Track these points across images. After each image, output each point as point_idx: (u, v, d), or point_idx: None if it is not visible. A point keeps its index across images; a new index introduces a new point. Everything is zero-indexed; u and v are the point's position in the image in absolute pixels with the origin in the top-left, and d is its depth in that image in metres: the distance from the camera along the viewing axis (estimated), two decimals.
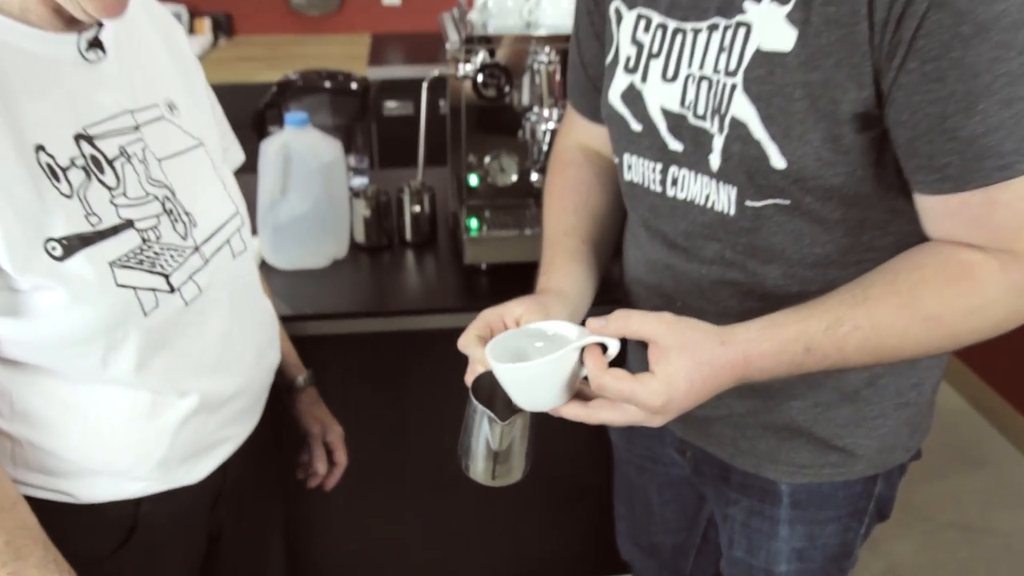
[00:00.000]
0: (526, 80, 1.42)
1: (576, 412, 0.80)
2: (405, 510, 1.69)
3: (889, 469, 1.02)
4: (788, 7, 0.77)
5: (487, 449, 0.86)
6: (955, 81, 0.70)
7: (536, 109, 1.41)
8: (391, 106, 2.96)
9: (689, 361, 0.75)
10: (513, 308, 0.88)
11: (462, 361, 0.89)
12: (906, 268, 0.78)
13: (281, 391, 1.18)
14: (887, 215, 0.84)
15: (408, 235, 1.61)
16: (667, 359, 0.76)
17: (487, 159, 1.51)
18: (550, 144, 1.38)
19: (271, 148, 1.42)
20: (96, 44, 0.86)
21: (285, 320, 1.24)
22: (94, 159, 0.83)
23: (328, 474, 1.23)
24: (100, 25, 0.86)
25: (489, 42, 1.43)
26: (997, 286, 0.75)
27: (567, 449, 1.65)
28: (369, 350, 1.49)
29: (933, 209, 0.78)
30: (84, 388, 0.86)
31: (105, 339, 0.84)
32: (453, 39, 1.48)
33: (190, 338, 0.92)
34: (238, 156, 1.14)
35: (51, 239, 0.78)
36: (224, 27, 3.37)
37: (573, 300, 0.94)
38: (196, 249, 0.92)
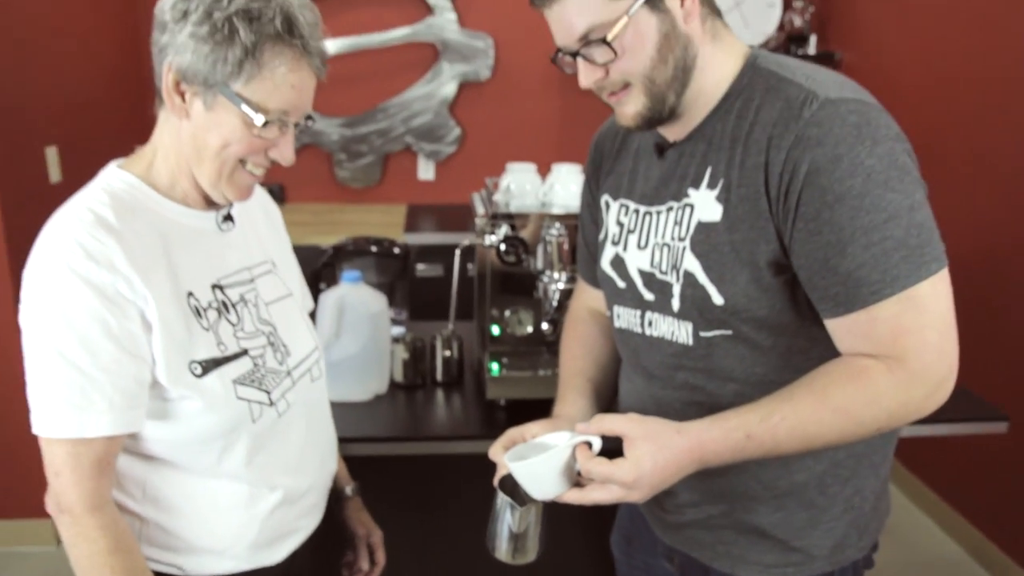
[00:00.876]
0: (540, 249, 1.74)
1: (574, 496, 1.04)
2: None
3: (843, 567, 1.21)
4: (716, 191, 1.08)
5: (509, 532, 1.10)
6: (828, 233, 0.98)
7: (548, 273, 1.71)
8: (421, 268, 3.28)
9: (652, 446, 1.00)
10: (531, 427, 1.16)
11: (481, 479, 1.15)
12: (820, 373, 1.03)
13: (331, 500, 1.41)
14: (808, 342, 1.09)
15: (439, 376, 1.87)
16: (634, 446, 1.01)
17: (507, 313, 1.80)
18: (559, 301, 1.68)
19: (329, 299, 1.72)
20: (228, 218, 1.18)
21: None
22: (223, 303, 1.13)
23: (369, 572, 1.44)
24: (230, 204, 1.18)
25: (511, 218, 1.76)
26: (886, 381, 0.98)
27: (576, 567, 1.84)
28: (404, 469, 1.71)
29: (836, 330, 1.03)
30: (202, 480, 1.11)
31: (224, 440, 1.10)
32: (481, 214, 1.81)
33: (280, 443, 1.17)
34: (310, 304, 1.43)
35: (194, 361, 1.06)
36: (277, 196, 3.77)
37: (577, 422, 1.20)
38: (288, 373, 1.19)
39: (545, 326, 1.67)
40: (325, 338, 1.72)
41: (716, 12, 1.11)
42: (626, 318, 1.24)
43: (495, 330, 1.81)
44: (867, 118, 0.99)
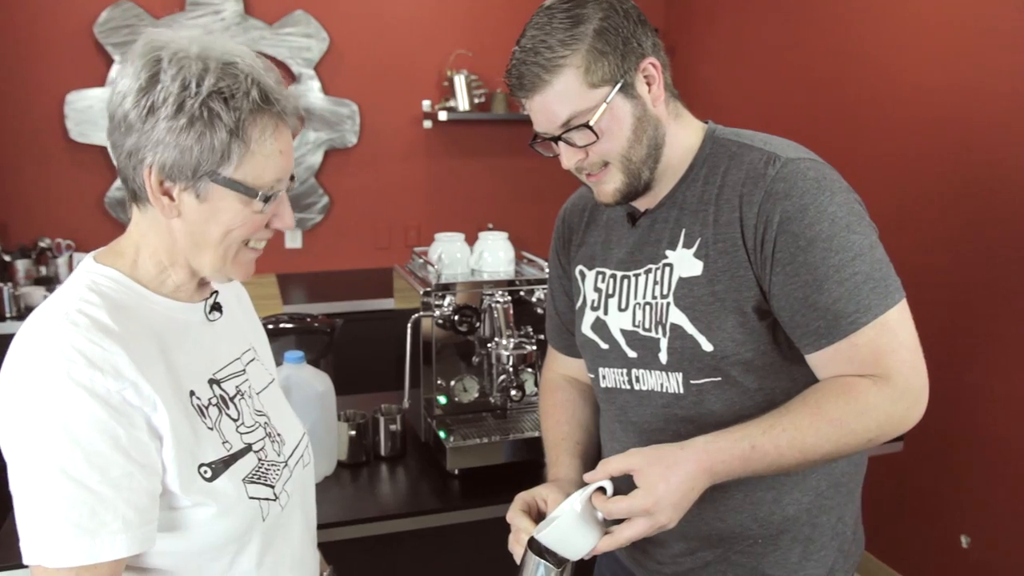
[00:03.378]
0: (485, 316, 1.76)
1: (607, 543, 1.08)
2: None
3: None
4: (693, 249, 1.17)
5: None
6: (805, 274, 1.08)
7: (497, 339, 1.74)
8: None
9: (659, 468, 1.05)
10: (540, 491, 1.19)
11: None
12: (812, 391, 1.11)
13: None
14: (790, 383, 1.18)
15: (383, 451, 1.83)
16: (644, 475, 1.06)
17: (452, 382, 1.80)
18: (514, 365, 1.71)
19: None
20: (216, 307, 1.12)
21: None
22: (222, 398, 1.07)
23: None
24: (216, 292, 1.12)
25: (448, 288, 1.78)
26: (873, 394, 1.07)
27: None
28: (366, 550, 1.66)
29: (819, 361, 1.12)
30: None
31: (237, 543, 1.03)
32: (418, 286, 1.81)
33: (283, 537, 1.12)
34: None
35: (203, 464, 1.00)
36: None
37: (576, 483, 1.25)
38: (285, 463, 1.14)
39: (514, 392, 1.68)
40: None
41: (676, 96, 1.23)
42: (612, 378, 1.30)
43: (442, 399, 1.81)
44: (823, 173, 1.12)
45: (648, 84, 1.16)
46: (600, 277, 1.31)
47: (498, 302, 1.73)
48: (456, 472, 1.74)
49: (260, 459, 1.08)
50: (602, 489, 1.09)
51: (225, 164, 0.96)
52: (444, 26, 3.83)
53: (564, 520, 1.07)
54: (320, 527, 1.56)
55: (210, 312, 1.11)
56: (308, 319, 2.02)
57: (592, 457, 1.37)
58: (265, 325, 1.99)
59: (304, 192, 3.77)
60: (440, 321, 1.76)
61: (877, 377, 1.09)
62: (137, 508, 0.93)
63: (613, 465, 1.09)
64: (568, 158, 1.17)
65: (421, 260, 1.92)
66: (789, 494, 1.22)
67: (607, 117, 1.12)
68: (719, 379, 1.18)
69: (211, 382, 1.06)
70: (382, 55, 3.78)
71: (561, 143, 1.16)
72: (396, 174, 3.92)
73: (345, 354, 2.66)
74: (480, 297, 1.79)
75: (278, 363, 1.72)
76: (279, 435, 1.15)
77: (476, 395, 1.82)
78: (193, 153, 0.94)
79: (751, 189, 1.12)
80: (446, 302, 1.74)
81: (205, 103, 0.93)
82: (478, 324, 1.73)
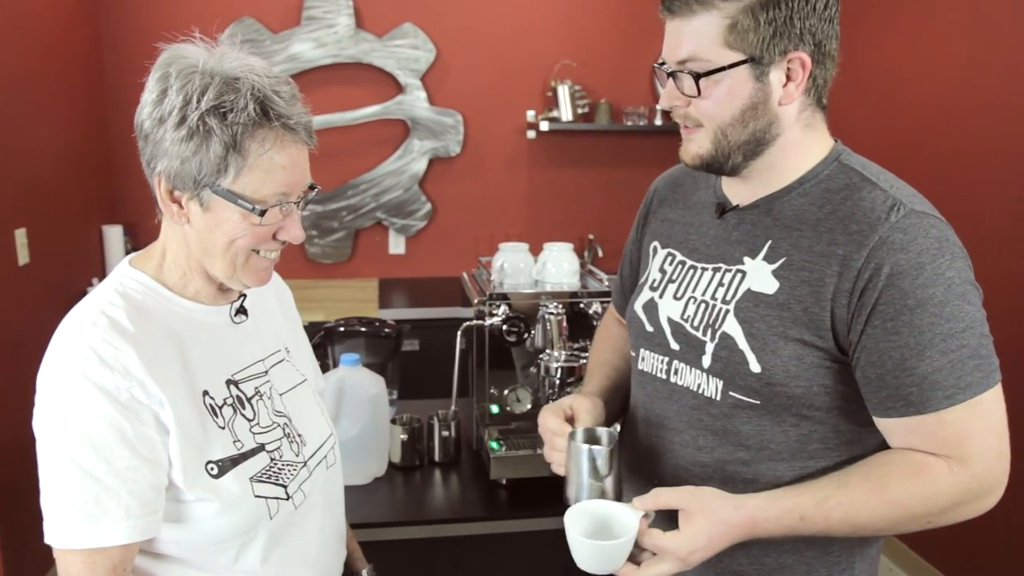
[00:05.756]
0: (539, 327, 1.75)
1: (629, 572, 1.05)
2: None
3: None
4: (774, 266, 1.10)
5: (594, 473, 1.13)
6: (907, 335, 1.00)
7: (548, 352, 1.73)
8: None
9: (707, 522, 1.02)
10: (570, 400, 1.28)
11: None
12: (877, 463, 1.05)
13: None
14: (832, 433, 1.10)
15: (437, 456, 1.86)
16: (691, 521, 1.03)
17: (506, 392, 1.80)
18: (561, 378, 1.69)
19: (329, 382, 1.70)
20: (241, 310, 1.17)
21: None
22: (238, 398, 1.11)
23: None
24: (243, 296, 1.17)
25: (507, 297, 1.78)
26: (945, 480, 1.01)
27: None
28: (407, 553, 1.68)
29: (896, 428, 1.04)
30: None
31: (241, 539, 1.07)
32: (475, 295, 1.82)
33: (296, 536, 1.15)
34: (321, 384, 1.41)
35: (210, 461, 1.04)
36: None
37: (601, 402, 1.30)
38: (304, 464, 1.17)
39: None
40: None
41: (822, 108, 1.13)
42: (651, 362, 1.25)
43: (494, 409, 1.81)
44: (946, 235, 1.04)
45: (788, 78, 1.07)
46: (669, 259, 1.26)
47: (551, 313, 1.72)
48: (504, 482, 1.74)
49: (273, 459, 1.12)
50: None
51: (223, 176, 1.00)
52: (549, 37, 3.84)
53: (614, 545, 1.04)
54: (361, 526, 1.61)
55: (235, 315, 1.16)
56: (377, 323, 2.06)
57: (626, 384, 1.39)
58: (335, 328, 2.07)
59: (408, 199, 3.87)
60: (500, 330, 1.76)
61: (954, 460, 1.02)
62: (140, 499, 0.98)
63: (664, 499, 1.07)
64: (667, 97, 1.12)
65: (485, 270, 1.93)
66: (792, 542, 1.13)
67: (724, 83, 1.05)
68: (758, 403, 1.11)
69: (229, 382, 1.11)
70: (487, 66, 3.84)
71: (670, 79, 1.10)
72: (498, 183, 3.96)
73: (424, 359, 2.71)
74: (537, 308, 1.78)
75: (335, 366, 1.78)
76: (299, 436, 1.18)
77: (529, 406, 1.81)
78: (192, 164, 0.99)
79: (864, 229, 1.04)
80: (500, 311, 1.74)
81: (203, 118, 0.97)
82: (527, 335, 1.72)
